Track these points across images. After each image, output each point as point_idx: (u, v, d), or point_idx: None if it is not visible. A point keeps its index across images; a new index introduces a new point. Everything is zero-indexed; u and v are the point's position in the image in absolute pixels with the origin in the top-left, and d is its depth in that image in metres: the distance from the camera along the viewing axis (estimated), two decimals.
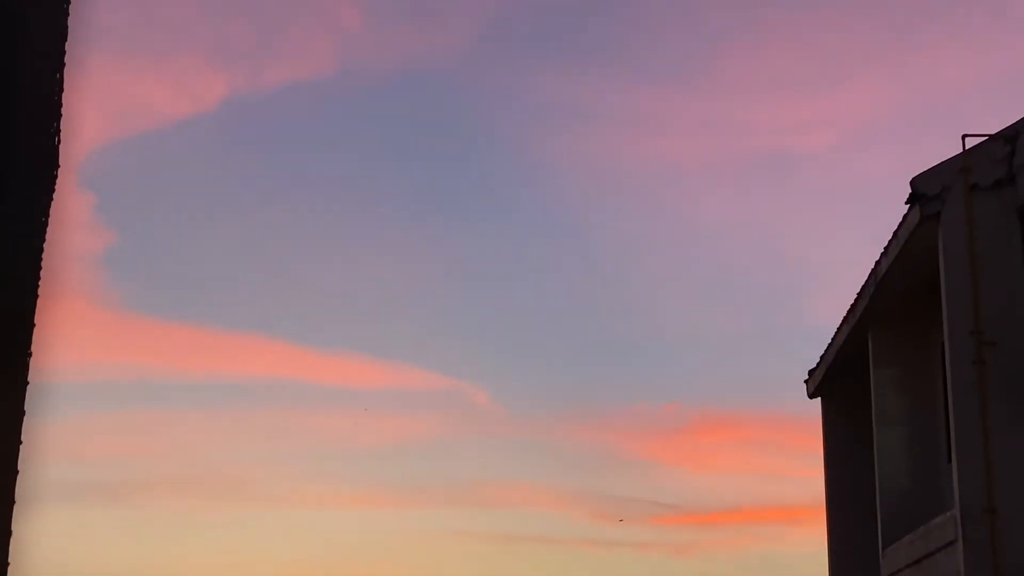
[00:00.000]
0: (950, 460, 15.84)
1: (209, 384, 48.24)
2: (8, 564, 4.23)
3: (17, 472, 4.28)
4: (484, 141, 47.34)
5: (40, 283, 4.33)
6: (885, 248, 17.41)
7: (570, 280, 48.87)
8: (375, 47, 44.74)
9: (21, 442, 4.25)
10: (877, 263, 17.91)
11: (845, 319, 20.34)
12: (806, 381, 23.82)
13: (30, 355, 4.34)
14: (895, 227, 16.72)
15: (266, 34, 44.61)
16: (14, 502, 4.24)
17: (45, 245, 4.31)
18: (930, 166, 15.46)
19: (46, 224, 4.31)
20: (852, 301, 19.62)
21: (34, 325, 4.40)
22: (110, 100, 42.31)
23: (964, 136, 15.36)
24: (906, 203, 15.78)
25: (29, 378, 4.31)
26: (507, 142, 46.94)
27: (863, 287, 18.88)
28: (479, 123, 46.86)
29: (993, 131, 15.33)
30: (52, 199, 4.26)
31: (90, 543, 43.67)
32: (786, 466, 47.86)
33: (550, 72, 45.01)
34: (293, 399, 48.86)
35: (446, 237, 49.06)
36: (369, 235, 48.92)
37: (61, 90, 3.98)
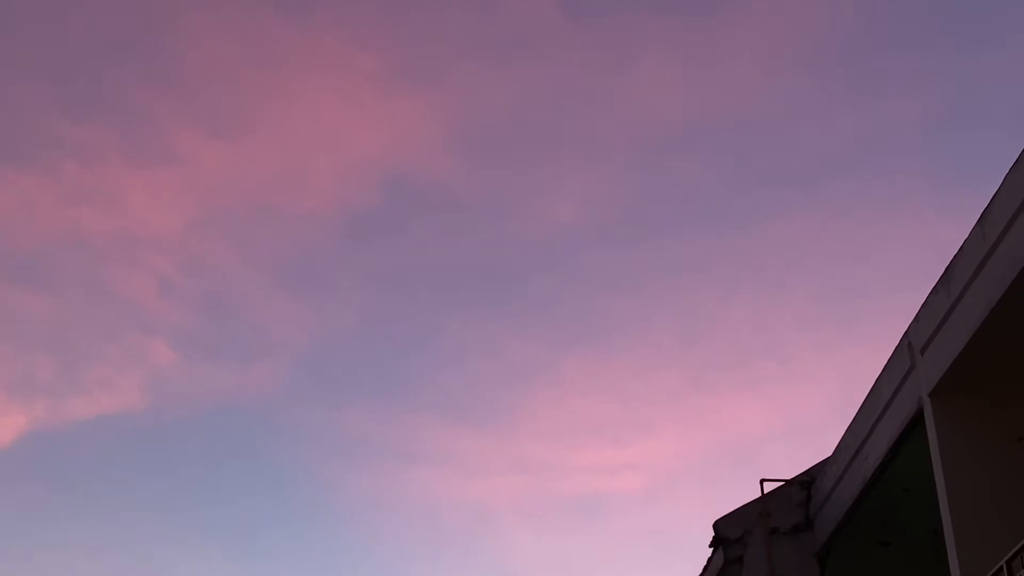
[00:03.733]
0: None
1: None
2: None
3: None
4: (293, 478, 46.70)
5: None
6: None
7: None
8: (186, 382, 44.37)
9: None
10: None
11: None
12: None
13: None
14: (702, 570, 16.86)
15: (71, 367, 43.94)
16: None
17: None
18: (732, 509, 15.78)
19: None
20: None
21: None
22: None
23: (762, 481, 15.80)
24: (710, 546, 15.99)
25: None
26: (319, 481, 46.38)
27: None
28: (288, 460, 46.34)
29: (790, 476, 15.80)
30: None
31: None
32: None
33: (363, 410, 45.16)
34: None
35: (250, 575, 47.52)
36: (172, 573, 47.09)
37: None
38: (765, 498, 15.68)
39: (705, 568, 16.71)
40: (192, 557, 46.97)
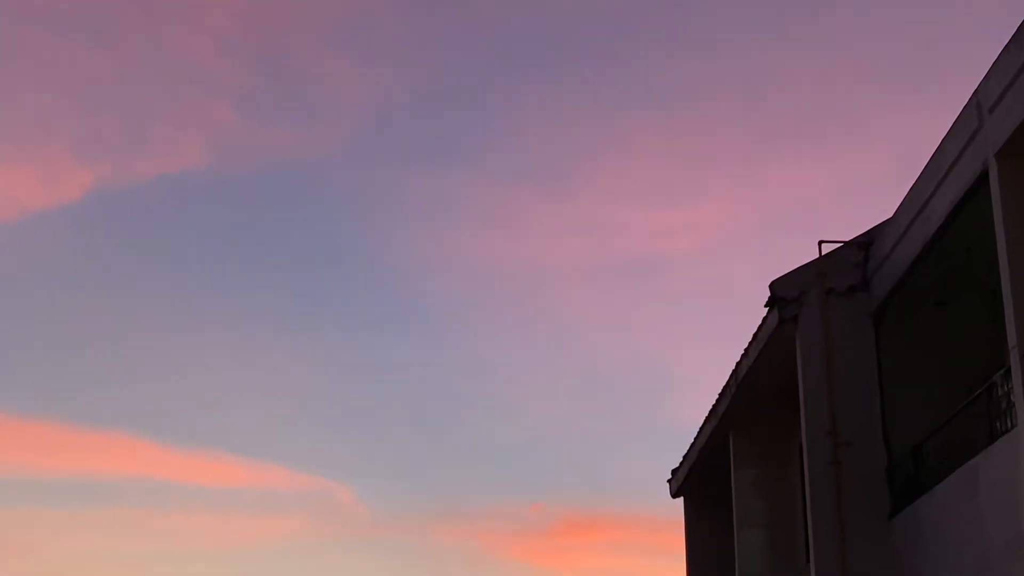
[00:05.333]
0: (808, 559, 16.02)
1: (66, 482, 46.86)
2: None
3: None
4: (354, 238, 47.31)
5: None
6: (746, 350, 17.72)
7: (437, 379, 48.77)
8: (247, 141, 44.61)
9: None
10: (738, 364, 18.20)
11: (707, 420, 20.59)
12: (669, 481, 23.98)
13: None
14: (756, 329, 17.05)
15: (135, 126, 44.23)
16: None
17: None
18: (789, 270, 15.84)
19: None
20: (714, 402, 19.89)
21: None
22: None
23: (821, 242, 15.79)
24: (765, 306, 16.11)
25: None
26: (378, 240, 47.00)
27: (724, 388, 19.15)
28: (348, 220, 46.86)
29: (849, 237, 15.78)
30: None
31: None
32: (650, 565, 47.97)
33: (424, 171, 45.33)
34: (152, 498, 47.67)
35: (313, 334, 48.68)
36: (234, 331, 48.32)
37: None
38: (823, 259, 15.70)
39: (759, 328, 16.88)
40: (251, 313, 48.05)
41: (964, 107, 12.66)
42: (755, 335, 17.14)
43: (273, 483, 47.89)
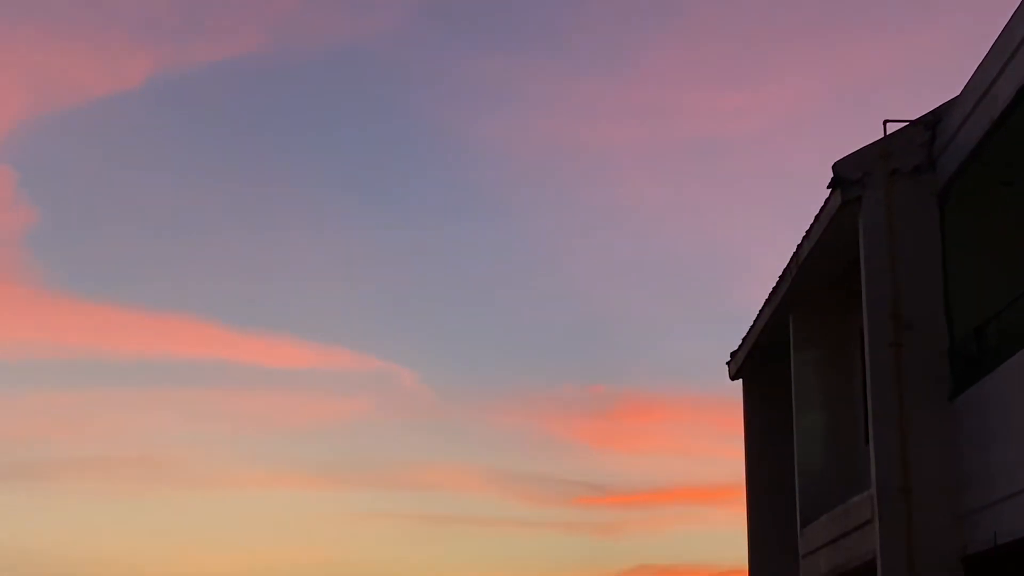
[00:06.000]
0: (867, 442, 16.07)
1: (135, 364, 47.80)
2: None
3: None
4: (414, 122, 47.23)
5: None
6: (807, 232, 17.61)
7: (498, 262, 48.98)
8: (306, 26, 44.41)
9: None
10: (799, 247, 18.11)
11: (767, 302, 20.56)
12: (728, 363, 24.05)
13: None
14: (817, 211, 16.92)
15: (194, 10, 44.15)
16: None
17: None
18: (853, 151, 15.64)
19: None
20: (774, 284, 19.84)
21: None
22: (34, 75, 41.70)
23: (885, 122, 15.55)
24: (828, 187, 15.96)
25: None
26: (437, 124, 46.89)
27: (785, 270, 19.09)
28: (409, 104, 46.74)
29: (914, 117, 15.54)
30: None
31: (8, 523, 43.16)
32: (709, 447, 48.39)
33: (482, 55, 45.00)
34: (220, 379, 48.55)
35: (374, 217, 48.94)
36: (297, 214, 48.67)
37: None
38: (887, 139, 15.48)
39: (821, 209, 16.75)
40: (315, 197, 48.29)
41: None
42: (817, 217, 17.01)
43: (337, 365, 48.60)
